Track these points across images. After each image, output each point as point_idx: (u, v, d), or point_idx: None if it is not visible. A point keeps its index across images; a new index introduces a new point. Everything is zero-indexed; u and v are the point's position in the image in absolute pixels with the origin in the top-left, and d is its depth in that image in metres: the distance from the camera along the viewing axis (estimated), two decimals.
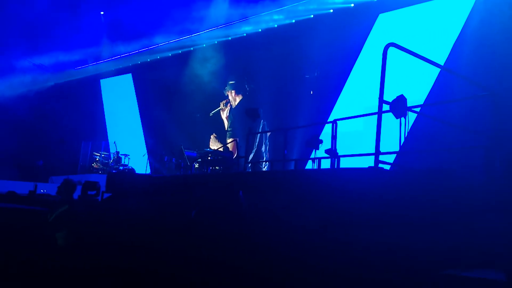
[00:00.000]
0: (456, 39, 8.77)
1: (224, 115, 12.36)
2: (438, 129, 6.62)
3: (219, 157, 9.94)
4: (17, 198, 6.96)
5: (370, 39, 10.51)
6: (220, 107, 12.22)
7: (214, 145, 11.71)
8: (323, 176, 3.95)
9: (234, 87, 12.27)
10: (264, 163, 10.43)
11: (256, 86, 12.06)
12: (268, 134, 11.01)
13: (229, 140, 11.32)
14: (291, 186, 3.89)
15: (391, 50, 4.26)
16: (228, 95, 12.32)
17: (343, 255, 2.99)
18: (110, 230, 4.40)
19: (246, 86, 12.25)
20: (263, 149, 10.97)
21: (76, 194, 5.90)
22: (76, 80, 17.96)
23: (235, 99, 12.25)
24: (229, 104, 12.29)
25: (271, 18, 12.31)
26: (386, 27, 10.32)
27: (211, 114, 12.25)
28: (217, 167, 10.12)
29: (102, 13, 15.60)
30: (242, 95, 12.25)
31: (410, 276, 2.75)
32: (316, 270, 2.97)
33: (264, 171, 10.00)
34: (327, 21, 11.17)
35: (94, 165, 14.71)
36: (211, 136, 12.18)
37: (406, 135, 4.48)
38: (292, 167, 9.91)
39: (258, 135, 10.11)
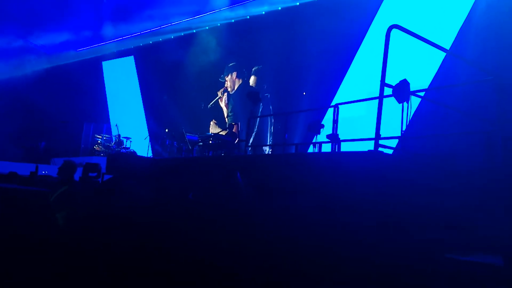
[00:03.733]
0: (462, 24, 8.62)
1: (222, 103, 12.36)
2: (441, 114, 6.55)
3: (220, 141, 9.93)
4: (18, 179, 6.96)
5: (375, 23, 10.33)
6: (218, 96, 12.20)
7: (214, 131, 11.73)
8: (321, 160, 3.92)
9: (235, 69, 12.18)
10: (267, 149, 10.41)
11: (261, 71, 11.97)
12: (273, 121, 10.98)
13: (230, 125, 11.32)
14: (290, 169, 3.86)
15: (395, 32, 4.17)
16: (226, 80, 12.26)
17: (342, 236, 2.98)
18: (109, 211, 4.42)
19: (244, 70, 12.19)
20: (267, 135, 10.95)
21: (77, 176, 5.91)
22: (78, 61, 17.87)
23: (235, 82, 12.14)
24: (225, 93, 12.26)
25: (274, 0, 12.12)
26: (391, 10, 10.14)
27: (209, 106, 12.24)
28: (219, 151, 10.12)
29: None
30: (242, 78, 12.18)
31: (410, 260, 2.74)
32: (313, 252, 2.96)
33: (264, 154, 9.99)
34: (331, 3, 10.99)
35: (96, 147, 14.73)
36: (211, 122, 12.21)
37: (408, 121, 4.42)
38: (293, 152, 9.88)
39: (258, 118, 10.10)
